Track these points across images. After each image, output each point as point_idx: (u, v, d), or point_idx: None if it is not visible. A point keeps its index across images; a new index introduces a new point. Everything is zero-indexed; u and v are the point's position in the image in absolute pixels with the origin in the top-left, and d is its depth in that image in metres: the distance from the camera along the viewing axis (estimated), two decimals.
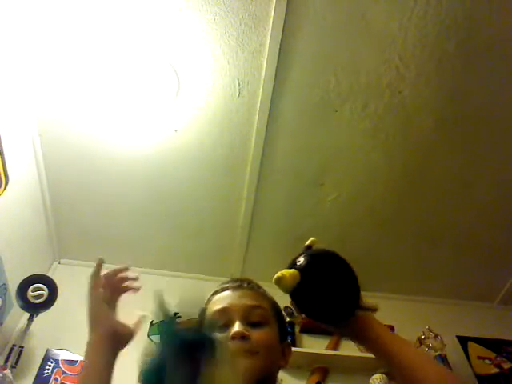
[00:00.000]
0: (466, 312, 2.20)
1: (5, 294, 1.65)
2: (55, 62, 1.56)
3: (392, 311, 2.12)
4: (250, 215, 1.96)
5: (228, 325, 0.78)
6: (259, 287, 0.89)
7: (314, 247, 0.80)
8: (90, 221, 2.00)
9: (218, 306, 0.82)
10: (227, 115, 1.69)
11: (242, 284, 0.87)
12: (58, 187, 1.89)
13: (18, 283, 1.63)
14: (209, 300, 0.87)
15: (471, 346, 2.03)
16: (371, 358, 1.94)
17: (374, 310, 0.75)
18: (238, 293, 0.85)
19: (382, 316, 2.30)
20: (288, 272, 0.71)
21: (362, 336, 0.74)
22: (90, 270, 2.29)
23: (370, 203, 1.96)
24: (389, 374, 1.76)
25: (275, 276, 0.71)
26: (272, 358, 0.77)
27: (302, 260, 0.74)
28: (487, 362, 1.98)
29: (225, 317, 0.79)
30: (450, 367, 1.76)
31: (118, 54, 1.52)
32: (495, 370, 1.96)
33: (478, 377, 1.91)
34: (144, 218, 2.00)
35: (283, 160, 1.83)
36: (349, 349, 1.92)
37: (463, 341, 2.04)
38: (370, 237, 2.07)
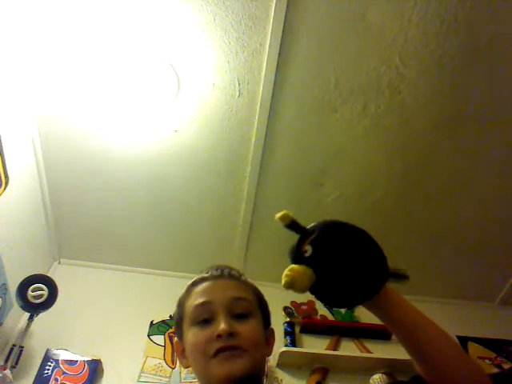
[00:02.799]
0: (466, 312, 2.20)
1: (5, 294, 1.65)
2: (55, 62, 1.56)
3: None
4: (250, 215, 1.96)
5: (211, 319, 0.74)
6: (241, 275, 0.84)
7: (316, 226, 0.69)
8: (89, 221, 2.00)
9: (200, 300, 0.76)
10: (227, 115, 1.69)
11: (222, 273, 0.81)
12: (58, 187, 1.89)
13: (18, 283, 1.63)
14: (188, 292, 0.81)
15: (471, 346, 2.03)
16: (371, 358, 1.95)
17: (406, 277, 0.66)
18: (219, 283, 0.79)
19: None
20: (298, 272, 0.62)
21: (385, 312, 0.68)
22: (90, 270, 2.30)
23: (371, 203, 1.96)
24: (389, 374, 1.76)
25: (285, 280, 0.62)
26: (260, 353, 0.74)
27: (309, 250, 0.64)
28: (487, 362, 1.98)
29: (207, 311, 0.75)
30: None
31: (118, 54, 1.52)
32: (495, 370, 1.95)
33: None
34: (144, 218, 2.00)
35: (283, 160, 1.83)
36: (349, 349, 1.93)
37: (463, 341, 2.04)
38: None
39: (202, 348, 0.71)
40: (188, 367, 0.78)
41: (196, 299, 0.77)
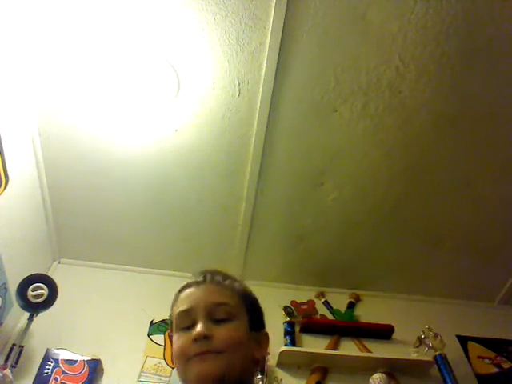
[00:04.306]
0: (466, 312, 2.20)
1: (5, 293, 1.65)
2: (55, 62, 1.56)
3: (392, 311, 2.12)
4: (249, 215, 1.95)
5: (193, 325, 0.76)
6: (225, 279, 0.85)
7: None
8: (89, 221, 2.00)
9: (182, 308, 0.80)
10: (227, 115, 1.69)
11: (205, 278, 0.84)
12: (58, 187, 1.89)
13: (17, 283, 1.63)
14: (175, 298, 0.85)
15: (471, 345, 2.04)
16: (371, 358, 1.96)
17: None
18: (201, 289, 0.82)
19: (382, 316, 2.32)
20: None
21: None
22: (90, 270, 2.31)
23: (370, 203, 1.96)
24: (389, 374, 1.76)
25: None
26: (240, 355, 0.75)
27: None
28: (487, 361, 1.98)
29: (188, 318, 0.78)
30: (449, 367, 1.76)
31: (118, 54, 1.52)
32: (495, 370, 1.96)
33: (478, 377, 1.91)
34: (144, 218, 2.00)
35: (283, 160, 1.83)
36: (349, 349, 1.93)
37: (463, 340, 2.04)
38: (370, 237, 2.07)
39: (182, 352, 0.75)
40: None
41: (179, 306, 0.82)
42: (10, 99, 1.54)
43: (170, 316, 0.85)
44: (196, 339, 0.73)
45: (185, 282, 0.85)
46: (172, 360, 1.81)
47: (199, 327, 0.74)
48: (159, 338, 1.88)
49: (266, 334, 0.85)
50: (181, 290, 0.85)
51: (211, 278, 0.84)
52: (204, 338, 0.73)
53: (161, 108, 1.66)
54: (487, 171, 1.88)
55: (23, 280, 1.63)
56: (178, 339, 0.77)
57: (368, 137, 1.76)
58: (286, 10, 1.42)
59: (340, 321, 2.05)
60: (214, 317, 0.77)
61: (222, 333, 0.74)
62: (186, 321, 0.78)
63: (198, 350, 0.72)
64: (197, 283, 0.83)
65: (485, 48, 1.54)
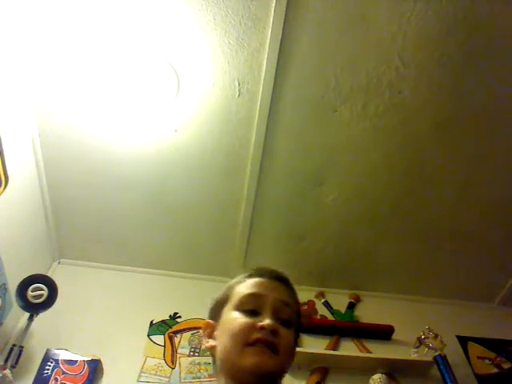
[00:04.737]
0: (466, 312, 2.20)
1: (5, 294, 1.65)
2: (55, 62, 1.56)
3: (392, 311, 2.12)
4: (249, 215, 1.95)
5: (256, 312, 0.76)
6: (294, 288, 0.87)
7: None
8: (89, 221, 2.00)
9: (252, 290, 0.80)
10: (227, 115, 1.69)
11: (281, 277, 0.85)
12: (58, 187, 1.88)
13: (17, 283, 1.63)
14: (242, 280, 0.84)
15: (471, 345, 2.03)
16: (371, 358, 1.96)
17: None
18: (275, 284, 0.82)
19: (382, 316, 2.31)
20: None
21: None
22: (90, 270, 2.30)
23: (370, 203, 1.96)
24: (389, 374, 1.76)
25: None
26: (286, 363, 0.76)
27: None
28: (487, 361, 1.98)
29: (255, 303, 0.77)
30: (449, 367, 1.76)
31: (118, 54, 1.52)
32: (495, 370, 1.95)
33: (478, 377, 1.91)
34: (144, 218, 2.00)
35: (283, 160, 1.83)
36: (349, 349, 1.93)
37: (463, 341, 2.04)
38: (370, 237, 2.07)
39: (242, 333, 0.73)
40: (210, 348, 0.80)
41: (249, 288, 0.81)
42: (9, 99, 1.54)
43: (226, 293, 0.84)
44: (263, 328, 0.72)
45: (257, 270, 0.85)
46: (172, 359, 1.81)
47: (270, 319, 0.74)
48: (159, 339, 1.88)
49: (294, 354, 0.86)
50: (251, 275, 0.84)
51: (286, 280, 0.85)
52: (271, 331, 0.72)
53: (161, 108, 1.66)
54: (487, 171, 1.88)
55: (23, 280, 1.63)
56: (237, 318, 0.76)
57: (368, 137, 1.76)
58: (286, 11, 1.42)
59: (340, 321, 2.05)
60: (279, 315, 0.77)
61: (286, 336, 0.75)
62: (250, 304, 0.77)
63: (263, 336, 0.71)
64: (272, 277, 0.83)
65: (485, 48, 1.54)
